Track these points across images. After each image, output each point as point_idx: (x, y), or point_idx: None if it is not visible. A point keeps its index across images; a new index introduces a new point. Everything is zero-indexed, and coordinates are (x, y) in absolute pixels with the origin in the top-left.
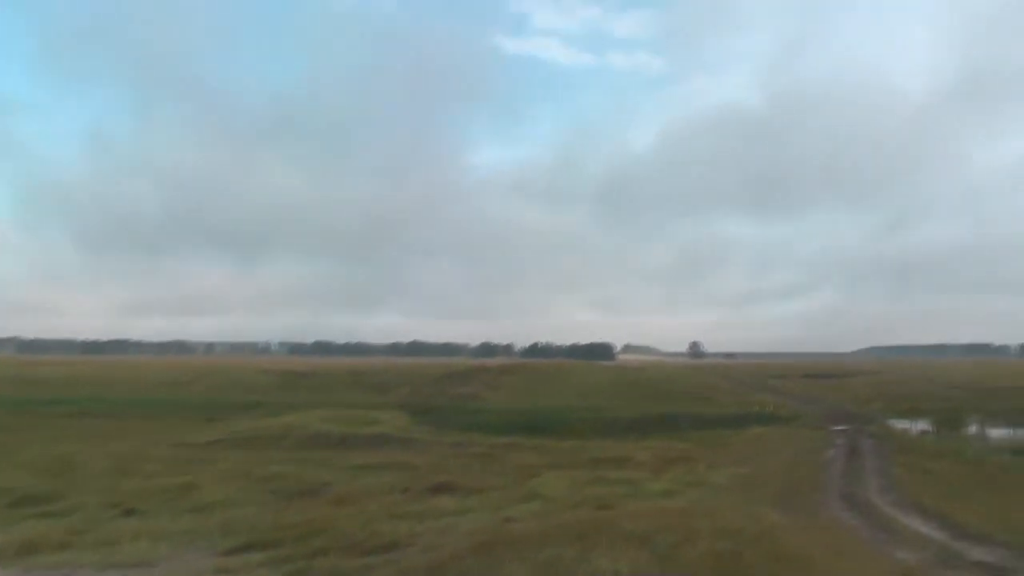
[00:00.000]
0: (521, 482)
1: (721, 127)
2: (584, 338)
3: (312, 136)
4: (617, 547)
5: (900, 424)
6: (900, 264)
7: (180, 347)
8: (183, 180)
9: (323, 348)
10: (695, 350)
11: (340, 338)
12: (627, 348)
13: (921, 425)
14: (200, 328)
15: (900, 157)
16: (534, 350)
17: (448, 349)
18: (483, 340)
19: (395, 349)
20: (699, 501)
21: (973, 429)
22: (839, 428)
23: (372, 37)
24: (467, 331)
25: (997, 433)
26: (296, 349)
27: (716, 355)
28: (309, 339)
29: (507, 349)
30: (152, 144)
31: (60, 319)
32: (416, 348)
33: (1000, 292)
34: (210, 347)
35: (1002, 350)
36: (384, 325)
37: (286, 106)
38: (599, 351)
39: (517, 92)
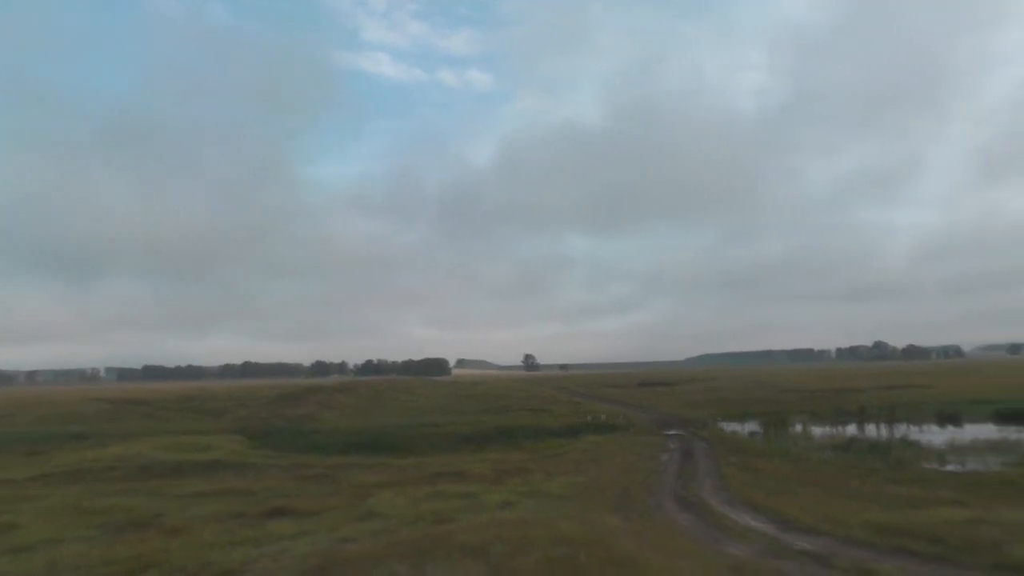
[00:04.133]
0: (358, 502)
1: (561, 144)
2: (420, 354)
3: (147, 149)
4: (453, 561)
5: (731, 427)
6: (732, 276)
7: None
8: (3, 193)
9: (154, 373)
10: (529, 362)
11: (172, 362)
12: (462, 363)
13: (750, 427)
14: (20, 356)
15: (735, 174)
16: (368, 367)
17: (282, 369)
18: (316, 359)
19: (229, 371)
20: (535, 511)
21: (798, 429)
22: (673, 433)
23: (209, 49)
24: (301, 351)
25: (820, 432)
26: (126, 375)
27: (551, 367)
28: (139, 364)
29: (341, 367)
30: None
31: None
32: (249, 369)
33: (822, 301)
34: (31, 376)
35: (823, 355)
36: (217, 347)
37: (121, 116)
38: (434, 367)
39: (353, 107)
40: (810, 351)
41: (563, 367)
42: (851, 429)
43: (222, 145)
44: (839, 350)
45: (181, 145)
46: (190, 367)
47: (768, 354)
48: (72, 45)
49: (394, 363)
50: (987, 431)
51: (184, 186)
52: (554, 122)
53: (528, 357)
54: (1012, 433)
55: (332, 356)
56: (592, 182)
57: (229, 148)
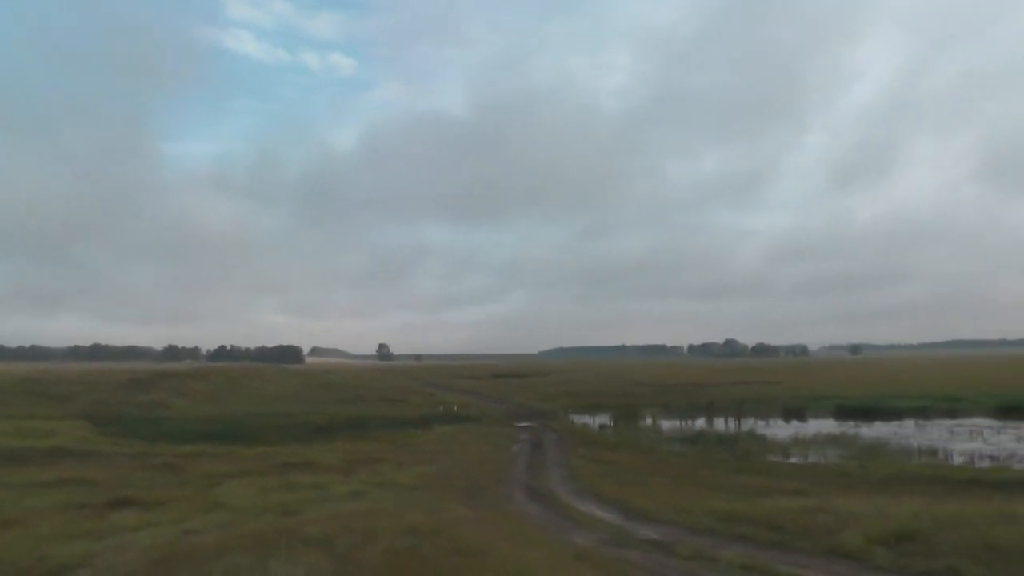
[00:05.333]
0: (206, 492)
1: (424, 134)
2: (273, 341)
3: None
4: (297, 552)
5: (583, 419)
6: (589, 271)
7: None
8: None
9: None
10: (383, 352)
11: (14, 341)
12: (315, 351)
13: (602, 419)
14: None
15: (597, 171)
16: (221, 353)
17: (133, 353)
18: (169, 343)
19: (75, 353)
20: (384, 501)
21: (648, 422)
22: (525, 425)
23: (68, 16)
24: (153, 334)
25: (669, 425)
26: None
27: (405, 357)
28: None
29: (193, 352)
30: None
31: None
32: (98, 352)
33: (676, 298)
34: None
35: (675, 351)
36: (64, 328)
37: None
38: (288, 354)
39: (215, 84)
40: (663, 347)
41: (418, 358)
42: (701, 423)
43: (78, 116)
44: (691, 346)
45: (35, 114)
46: (34, 347)
47: (622, 349)
48: None
49: (248, 349)
50: (828, 426)
51: (37, 157)
52: (418, 112)
53: (382, 347)
54: (850, 428)
55: (185, 341)
56: (454, 173)
57: (85, 120)
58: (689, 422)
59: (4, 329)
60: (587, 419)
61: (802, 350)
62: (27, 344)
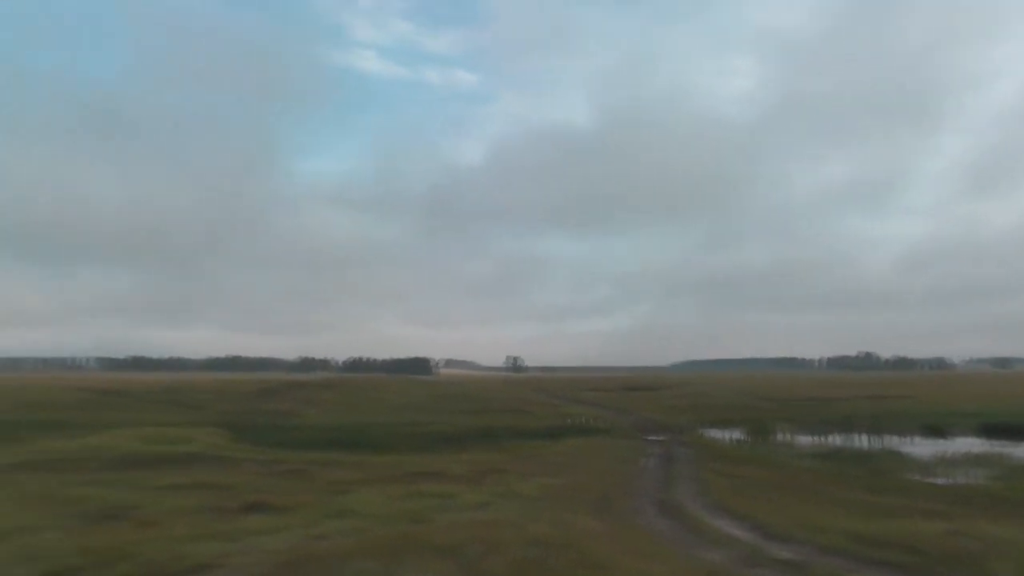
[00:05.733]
0: (334, 498)
1: (545, 145)
2: (404, 352)
3: (134, 138)
4: (425, 560)
5: (712, 433)
6: (716, 281)
7: None
8: None
9: (139, 363)
10: (513, 364)
11: (157, 352)
12: (449, 363)
13: (732, 434)
14: (5, 343)
15: (720, 179)
16: (354, 364)
17: (267, 364)
18: (302, 354)
19: (213, 364)
20: (511, 512)
21: (781, 437)
22: (654, 438)
23: (198, 40)
24: (286, 345)
25: (802, 440)
26: (111, 364)
27: (535, 369)
28: (125, 353)
29: (326, 364)
30: None
31: None
32: (234, 363)
33: (807, 309)
34: (15, 362)
35: (807, 363)
36: (202, 339)
37: (107, 104)
38: (417, 365)
39: (339, 103)
40: (794, 359)
41: (546, 369)
42: (835, 438)
43: (209, 136)
44: (825, 359)
45: (168, 135)
46: (176, 359)
47: (752, 361)
48: (59, 32)
49: (378, 361)
50: (973, 444)
51: (171, 176)
52: (539, 122)
53: (511, 358)
54: (997, 447)
55: (317, 352)
56: (576, 183)
57: (216, 139)
58: (822, 438)
59: (147, 341)
60: (717, 433)
61: (943, 363)
62: (170, 355)
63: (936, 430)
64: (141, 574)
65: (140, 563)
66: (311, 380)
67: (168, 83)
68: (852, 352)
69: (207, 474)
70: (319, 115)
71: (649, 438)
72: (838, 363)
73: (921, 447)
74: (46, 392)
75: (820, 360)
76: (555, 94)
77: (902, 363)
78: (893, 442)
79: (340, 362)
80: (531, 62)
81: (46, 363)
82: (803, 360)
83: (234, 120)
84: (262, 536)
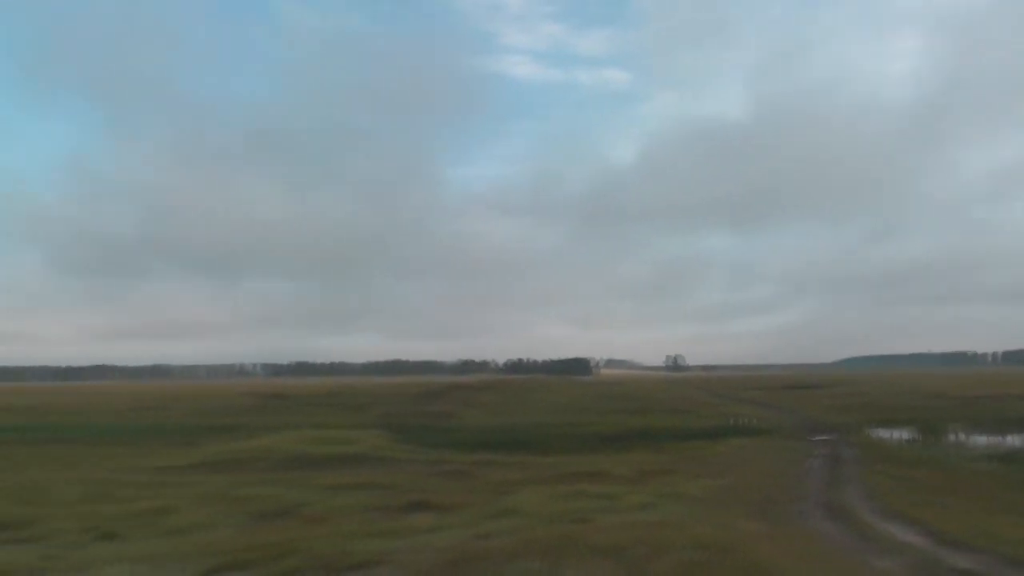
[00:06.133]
0: (496, 498)
1: (700, 141)
2: (563, 353)
3: (291, 155)
4: (588, 560)
5: (880, 433)
6: (880, 275)
7: (159, 371)
8: (160, 201)
9: (303, 369)
10: (674, 363)
11: (320, 358)
12: (610, 363)
13: (901, 434)
14: (179, 351)
15: (885, 167)
16: (514, 366)
17: (427, 367)
18: (462, 357)
19: (374, 368)
20: (674, 513)
21: (953, 438)
22: (819, 438)
23: (347, 56)
24: (446, 348)
25: (977, 441)
26: (276, 370)
27: (696, 368)
28: (289, 360)
29: (485, 366)
30: (129, 165)
31: (37, 345)
32: (395, 367)
33: (978, 301)
34: (189, 370)
35: (979, 359)
36: (364, 344)
37: (265, 124)
38: (577, 366)
39: (491, 109)
40: (965, 354)
41: (707, 368)
42: (1013, 439)
43: (366, 150)
44: (1000, 353)
45: (327, 151)
46: (338, 364)
47: (920, 357)
48: (214, 57)
49: (537, 362)
50: None
51: (332, 190)
52: (693, 118)
53: (671, 357)
54: None
55: (477, 355)
56: (733, 179)
57: (373, 152)
58: (999, 438)
59: (311, 348)
60: (884, 433)
61: None
62: (332, 361)
63: None
64: (309, 568)
65: (308, 558)
66: (471, 382)
67: (324, 101)
68: None
69: (371, 474)
70: (472, 123)
71: (814, 438)
72: (1014, 357)
73: None
74: (218, 398)
75: (994, 355)
76: (708, 88)
77: None
78: None
79: (500, 364)
80: (683, 57)
81: (217, 370)
82: (974, 355)
83: (390, 132)
84: (426, 534)
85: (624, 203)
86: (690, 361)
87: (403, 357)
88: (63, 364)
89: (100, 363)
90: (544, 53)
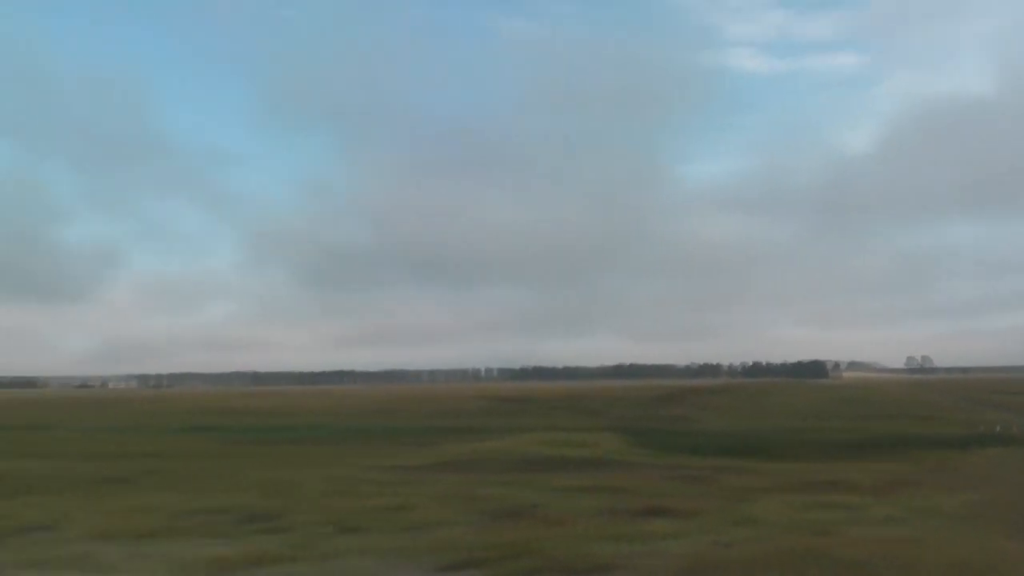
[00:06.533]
0: (735, 506)
1: (942, 121)
2: (798, 355)
3: (519, 162)
4: (829, 574)
5: None
6: None
7: (395, 376)
8: (393, 214)
9: (537, 373)
10: (919, 364)
11: (554, 362)
12: (852, 365)
13: None
14: (414, 357)
15: None
16: (750, 369)
17: (661, 370)
18: (696, 360)
19: (608, 372)
20: (925, 529)
21: None
22: None
23: (569, 61)
24: (679, 351)
25: None
26: (509, 375)
27: (944, 370)
28: (523, 364)
29: (719, 369)
30: (362, 183)
31: (285, 353)
32: (629, 370)
33: None
34: (427, 375)
35: None
36: (597, 348)
37: (492, 134)
38: (814, 369)
39: (717, 104)
40: None
41: (958, 370)
42: None
43: (589, 153)
44: None
45: (550, 156)
46: (572, 367)
47: None
48: (440, 73)
49: (772, 365)
50: None
51: (561, 195)
52: (931, 97)
53: (916, 359)
54: None
55: (709, 357)
56: (978, 160)
57: (600, 155)
58: None
59: (544, 351)
60: None
61: None
62: (566, 365)
63: None
64: (545, 569)
65: (544, 558)
66: (706, 385)
67: (548, 108)
68: None
69: (607, 477)
70: (698, 119)
71: None
72: None
73: None
74: (453, 401)
75: None
76: (946, 64)
77: None
78: None
79: (734, 366)
80: (917, 33)
81: (451, 375)
82: None
83: (615, 134)
84: (664, 540)
85: (860, 193)
86: (937, 362)
87: (635, 360)
88: (306, 370)
89: (340, 368)
90: (768, 42)
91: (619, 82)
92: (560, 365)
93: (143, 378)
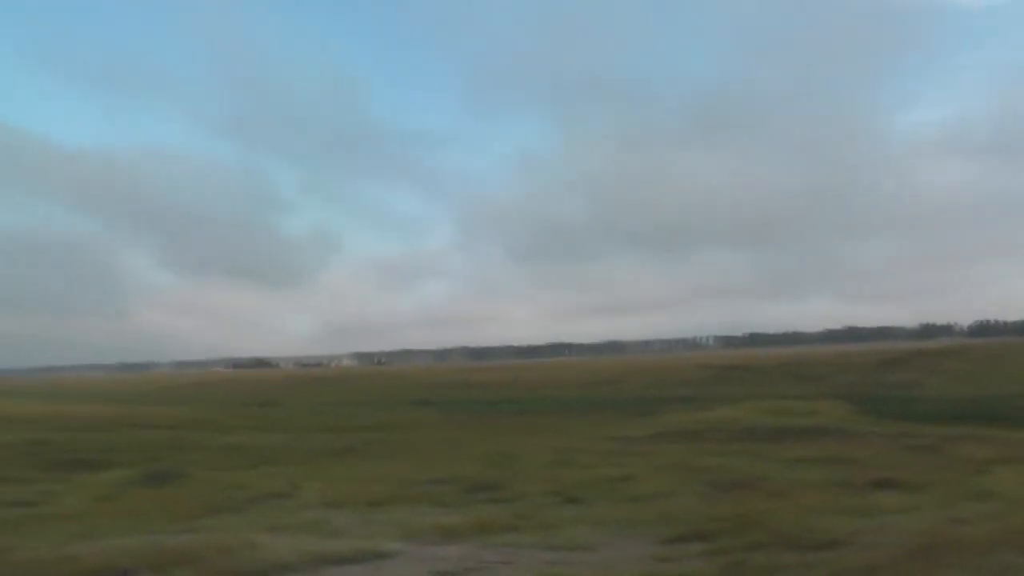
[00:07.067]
0: (970, 478)
1: None
2: None
3: (731, 124)
4: None
5: None
6: None
7: (614, 347)
8: (607, 184)
9: (756, 339)
10: None
11: (772, 328)
12: None
13: None
14: (633, 328)
15: None
16: (981, 328)
17: (884, 333)
18: (922, 321)
19: (829, 336)
20: None
21: None
22: None
23: (776, 7)
24: (904, 313)
25: None
26: (729, 342)
27: None
28: (741, 331)
29: (948, 329)
30: (575, 154)
31: (502, 327)
32: (850, 334)
33: None
34: (644, 345)
35: None
36: (816, 311)
37: (700, 96)
38: None
39: (934, 43)
40: None
41: None
42: None
43: (802, 109)
44: None
45: (762, 115)
46: (792, 333)
47: None
48: (646, 39)
49: (1006, 323)
50: None
51: (774, 154)
52: None
53: None
54: None
55: (937, 317)
56: None
57: (809, 110)
58: None
59: (764, 317)
60: None
61: None
62: (784, 330)
63: None
64: (772, 543)
65: (770, 532)
66: (935, 348)
67: (756, 66)
68: None
69: (831, 447)
70: (914, 62)
71: None
72: None
73: None
74: (672, 370)
75: None
76: None
77: None
78: None
79: (965, 327)
80: None
81: (669, 344)
82: None
83: (828, 87)
84: (893, 515)
85: None
86: None
87: (857, 323)
88: (523, 344)
89: (556, 341)
90: None
91: (829, 30)
92: (778, 331)
93: (364, 355)
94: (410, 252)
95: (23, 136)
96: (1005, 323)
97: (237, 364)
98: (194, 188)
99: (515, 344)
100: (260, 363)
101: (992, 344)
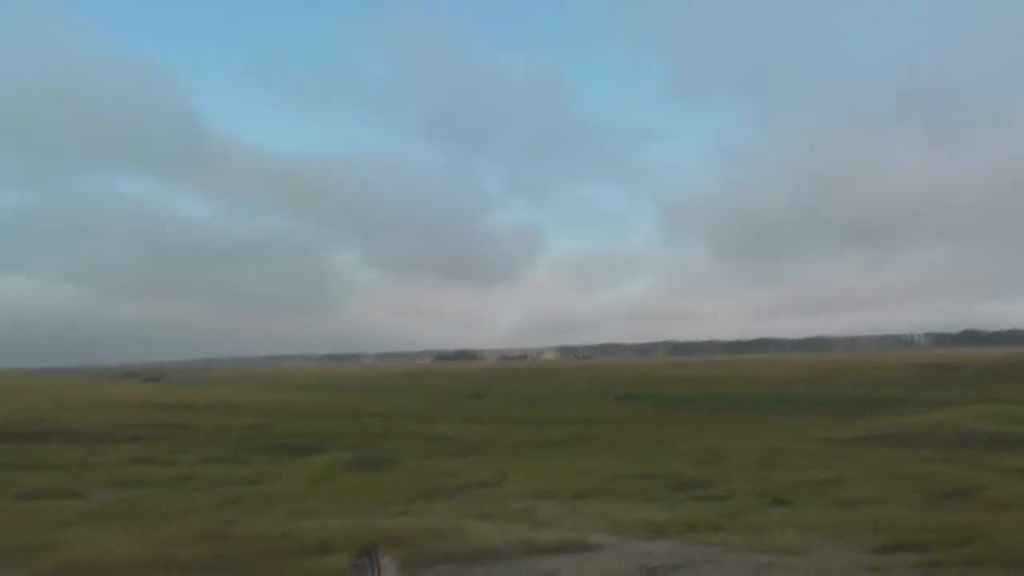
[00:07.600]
0: None
1: None
2: None
3: (943, 109)
4: None
5: None
6: None
7: (820, 344)
8: (812, 175)
9: (972, 337)
10: None
11: (990, 325)
12: None
13: None
14: (839, 324)
15: None
16: None
17: None
18: None
19: None
20: None
21: None
22: None
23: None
24: None
25: None
26: (942, 340)
27: None
28: (955, 328)
29: None
30: (779, 147)
31: (705, 323)
32: None
33: None
34: (851, 342)
35: None
36: None
37: (908, 83)
38: None
39: None
40: None
41: None
42: None
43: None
44: None
45: (980, 101)
46: (1010, 331)
47: None
48: (854, 24)
49: None
50: None
51: (986, 141)
52: None
53: None
54: None
55: None
56: None
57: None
58: None
59: (980, 314)
60: None
61: None
62: (1003, 328)
63: None
64: (993, 559)
65: (990, 547)
66: None
67: (975, 45)
68: None
69: None
70: None
71: None
72: None
73: None
74: (881, 369)
75: None
76: None
77: None
78: None
79: None
80: None
81: (878, 341)
82: None
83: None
84: None
85: None
86: None
87: None
88: (728, 339)
89: (761, 337)
90: None
91: None
92: (996, 328)
93: (567, 349)
94: (613, 247)
95: (249, 148)
96: None
97: (441, 356)
98: (403, 190)
99: (718, 339)
100: (464, 355)
101: None
